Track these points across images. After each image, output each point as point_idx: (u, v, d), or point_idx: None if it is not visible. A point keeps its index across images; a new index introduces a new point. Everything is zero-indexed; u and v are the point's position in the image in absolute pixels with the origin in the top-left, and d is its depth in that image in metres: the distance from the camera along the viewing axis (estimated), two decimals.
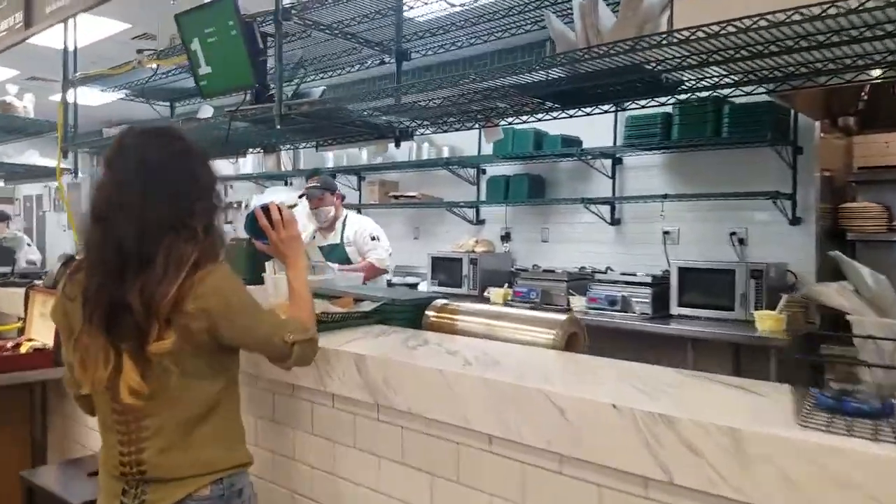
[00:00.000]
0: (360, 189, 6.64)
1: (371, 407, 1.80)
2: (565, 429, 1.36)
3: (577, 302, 4.79)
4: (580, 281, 4.96)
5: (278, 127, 2.65)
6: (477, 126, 2.91)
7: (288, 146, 3.77)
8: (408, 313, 2.34)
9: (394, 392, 1.70)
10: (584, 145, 5.24)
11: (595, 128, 5.13)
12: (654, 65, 2.10)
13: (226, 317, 1.53)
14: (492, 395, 1.49)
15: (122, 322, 1.45)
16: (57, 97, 5.50)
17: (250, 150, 3.84)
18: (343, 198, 4.54)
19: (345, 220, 4.33)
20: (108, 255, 1.48)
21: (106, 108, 6.76)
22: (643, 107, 2.52)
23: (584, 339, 2.11)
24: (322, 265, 2.84)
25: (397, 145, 3.10)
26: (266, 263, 2.77)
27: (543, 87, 2.29)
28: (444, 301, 2.39)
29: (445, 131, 3.02)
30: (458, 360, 1.68)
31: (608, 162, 5.27)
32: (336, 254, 4.16)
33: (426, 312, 2.34)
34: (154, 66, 3.15)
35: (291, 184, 7.37)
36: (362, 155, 6.35)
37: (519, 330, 2.10)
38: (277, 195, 7.22)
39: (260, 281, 2.73)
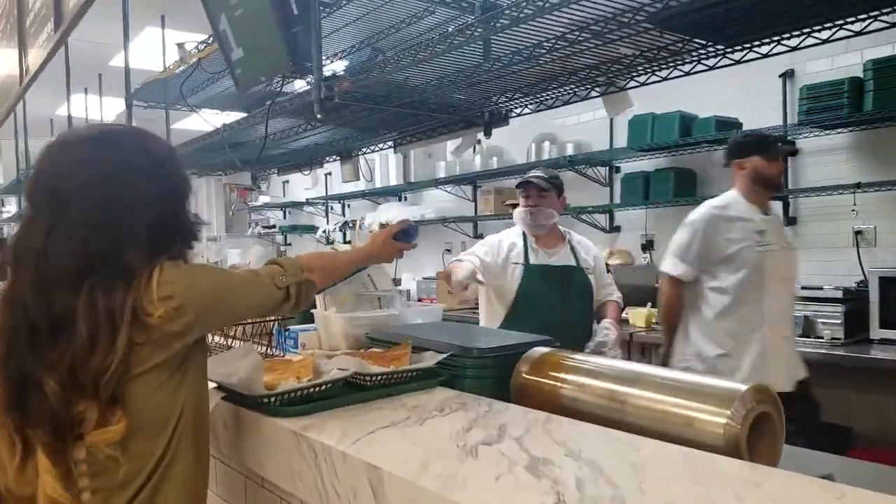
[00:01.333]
0: (475, 200, 5.92)
1: None
2: None
3: None
4: None
5: (318, 116, 1.98)
6: (595, 93, 2.07)
7: (363, 150, 3.09)
8: (489, 370, 1.56)
9: None
10: (745, 127, 4.22)
11: (757, 104, 4.21)
12: None
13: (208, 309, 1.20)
14: None
15: (33, 406, 1.08)
16: (179, 125, 5.28)
17: (327, 158, 3.22)
18: (566, 206, 3.16)
19: (570, 238, 3.02)
20: (16, 315, 1.11)
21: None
22: (858, 33, 1.58)
23: (780, 424, 1.22)
24: (391, 296, 2.12)
25: (487, 133, 2.34)
26: (317, 297, 2.11)
27: (689, 8, 1.43)
28: (546, 350, 1.58)
29: (551, 106, 2.21)
30: (542, 493, 0.88)
31: None
32: (576, 281, 2.88)
33: (518, 367, 1.55)
34: (195, 61, 2.62)
35: (406, 199, 6.81)
36: (476, 161, 5.62)
37: (664, 409, 1.26)
38: (390, 212, 6.71)
39: None
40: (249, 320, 2.23)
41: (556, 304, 2.78)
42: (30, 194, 1.17)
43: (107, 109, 5.89)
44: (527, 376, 1.52)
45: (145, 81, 3.18)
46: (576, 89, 2.06)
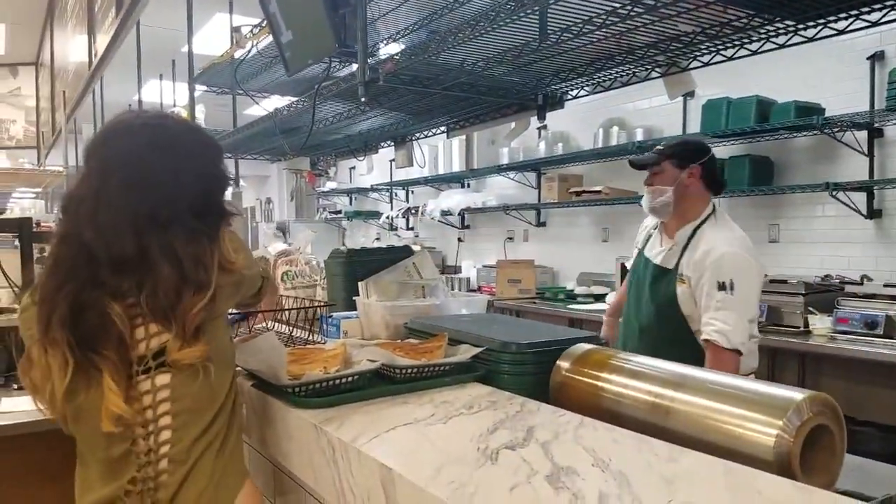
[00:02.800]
0: (539, 187, 5.77)
1: None
2: None
3: (820, 323, 3.59)
4: (824, 294, 3.73)
5: (363, 99, 1.93)
6: (656, 73, 1.95)
7: (416, 135, 3.02)
8: (528, 366, 1.48)
9: None
10: (828, 113, 3.93)
11: (842, 88, 3.93)
12: None
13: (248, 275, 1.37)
14: None
15: (90, 328, 1.15)
16: (251, 111, 5.36)
17: (382, 144, 3.18)
18: (703, 179, 2.28)
19: (697, 229, 2.24)
20: (72, 250, 1.19)
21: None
22: None
23: (841, 439, 1.10)
24: (434, 285, 2.06)
25: (541, 117, 2.24)
26: (360, 284, 2.07)
27: None
28: (589, 347, 1.49)
29: (609, 88, 2.10)
30: None
31: (863, 134, 3.92)
32: (655, 287, 2.30)
33: (558, 364, 1.47)
34: (249, 45, 2.62)
35: (469, 186, 6.73)
36: (540, 147, 5.48)
37: (710, 416, 1.15)
38: (452, 199, 6.65)
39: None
40: (295, 306, 2.23)
41: (632, 308, 2.41)
42: (102, 153, 1.25)
43: (179, 95, 6.04)
44: (566, 374, 1.44)
45: (205, 66, 3.21)
46: (634, 69, 1.94)
